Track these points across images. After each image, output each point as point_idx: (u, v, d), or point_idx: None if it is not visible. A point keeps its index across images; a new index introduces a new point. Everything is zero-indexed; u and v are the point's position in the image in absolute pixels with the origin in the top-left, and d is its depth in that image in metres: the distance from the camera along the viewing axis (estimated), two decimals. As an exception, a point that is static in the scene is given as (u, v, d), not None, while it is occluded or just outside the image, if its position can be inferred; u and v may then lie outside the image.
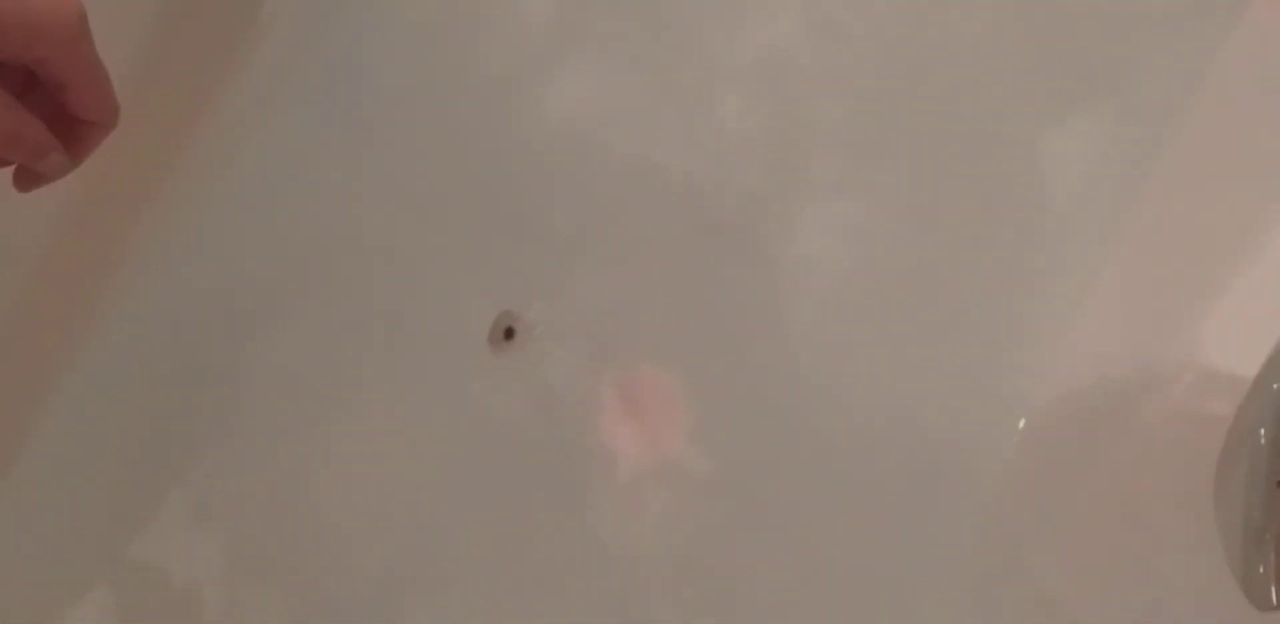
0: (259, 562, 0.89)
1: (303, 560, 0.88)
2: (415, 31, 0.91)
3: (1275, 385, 0.69)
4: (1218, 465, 0.72)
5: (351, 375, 0.88)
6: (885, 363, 0.86)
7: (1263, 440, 0.68)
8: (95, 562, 0.82)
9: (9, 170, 0.52)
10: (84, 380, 0.78)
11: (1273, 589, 0.69)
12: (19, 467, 0.76)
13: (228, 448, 0.87)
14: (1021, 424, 0.80)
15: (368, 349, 0.92)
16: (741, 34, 0.90)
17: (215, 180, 0.85)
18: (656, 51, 0.91)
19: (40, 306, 0.75)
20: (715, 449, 0.89)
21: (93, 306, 0.76)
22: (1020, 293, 0.82)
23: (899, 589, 0.83)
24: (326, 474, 0.91)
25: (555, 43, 0.93)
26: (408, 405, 0.91)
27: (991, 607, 0.81)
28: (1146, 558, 0.75)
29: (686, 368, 0.92)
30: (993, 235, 0.84)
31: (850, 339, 0.87)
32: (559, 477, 0.89)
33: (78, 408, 0.78)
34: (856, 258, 0.88)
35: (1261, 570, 0.69)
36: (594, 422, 0.89)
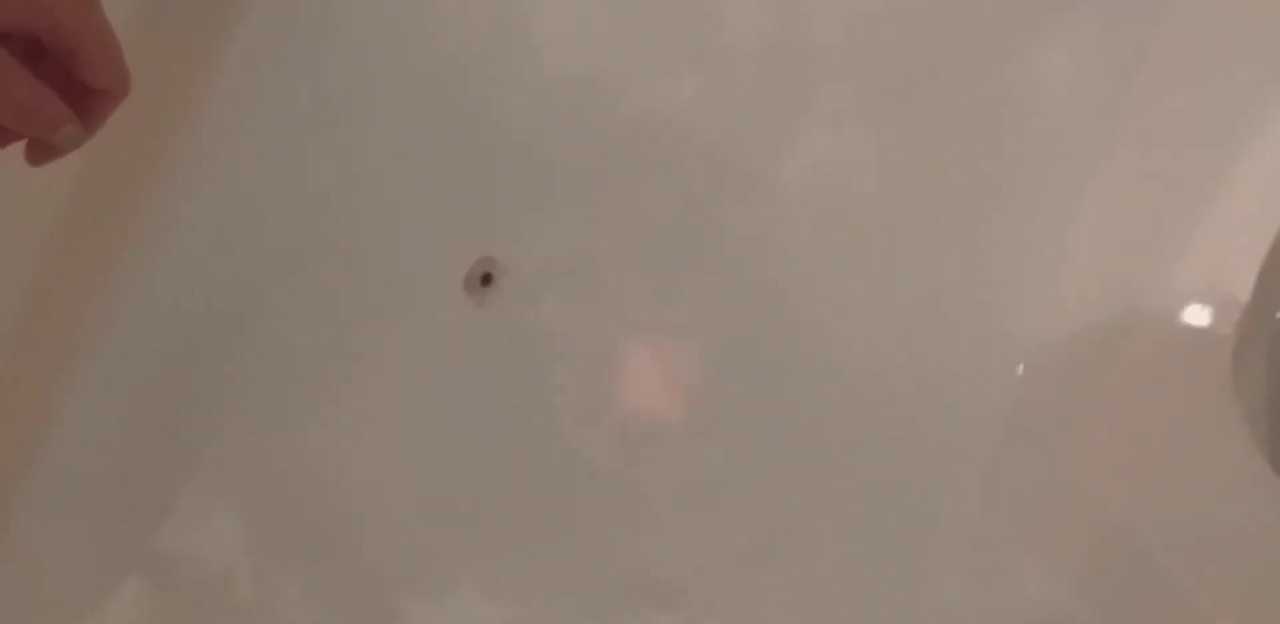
0: (286, 539, 0.88)
1: (328, 533, 0.88)
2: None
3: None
4: (1233, 357, 0.73)
5: (352, 341, 0.87)
6: (885, 287, 0.86)
7: None
8: (124, 553, 0.82)
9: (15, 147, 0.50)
10: (95, 371, 0.77)
11: (1302, 463, 0.70)
12: (37, 462, 0.75)
13: (240, 428, 0.86)
14: (1029, 337, 0.81)
15: (362, 313, 0.91)
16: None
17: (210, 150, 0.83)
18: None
19: (47, 294, 0.74)
20: (713, 388, 0.89)
21: (100, 293, 0.75)
22: (1015, 210, 0.82)
23: (919, 501, 0.84)
24: (337, 445, 0.90)
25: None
26: (403, 364, 0.91)
27: (1017, 509, 0.82)
28: (1171, 447, 0.75)
29: (679, 307, 0.91)
30: (982, 156, 0.83)
31: (846, 271, 0.87)
32: (552, 427, 0.89)
33: (91, 401, 0.77)
34: (847, 189, 0.87)
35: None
36: (584, 367, 0.89)
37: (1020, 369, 0.79)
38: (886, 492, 0.83)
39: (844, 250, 0.86)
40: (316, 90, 0.87)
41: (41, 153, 0.52)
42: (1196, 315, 0.75)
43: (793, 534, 0.84)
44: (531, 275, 0.87)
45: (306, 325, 0.86)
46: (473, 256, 0.86)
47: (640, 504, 0.87)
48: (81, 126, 0.51)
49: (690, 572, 0.84)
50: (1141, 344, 0.79)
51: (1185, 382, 0.75)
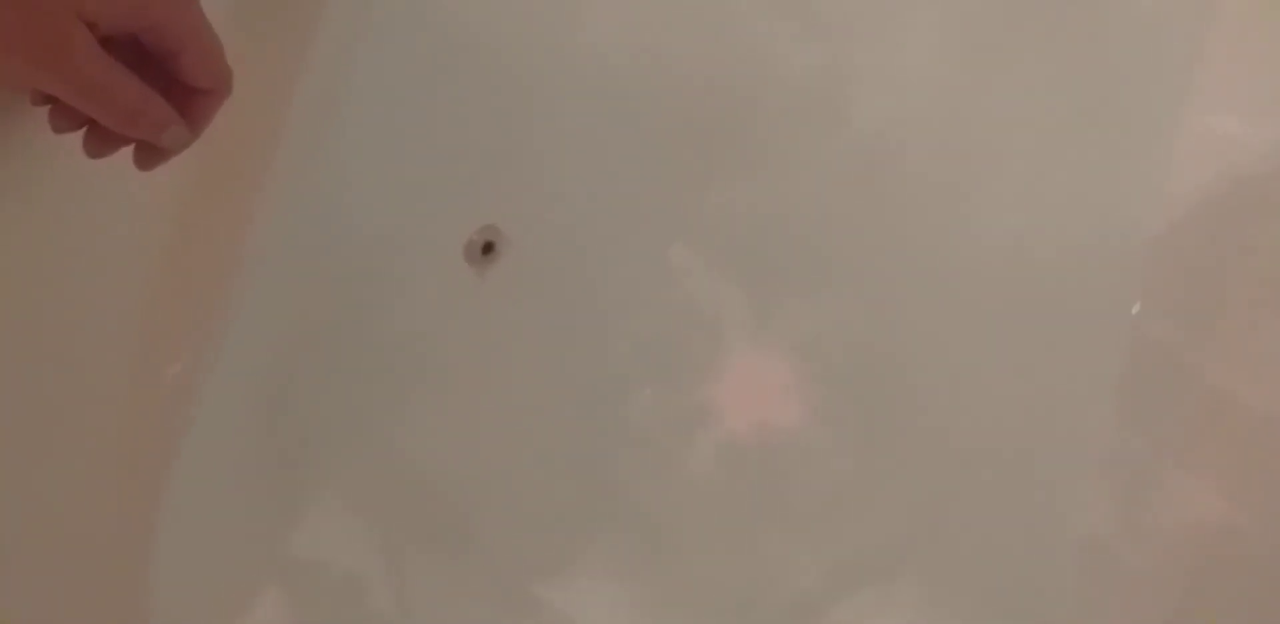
0: (407, 532, 0.88)
1: (445, 522, 0.88)
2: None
3: None
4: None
5: (427, 325, 0.87)
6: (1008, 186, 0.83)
7: None
8: (259, 561, 0.82)
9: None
10: (215, 385, 0.78)
11: None
12: (169, 479, 0.76)
13: (346, 430, 0.86)
14: (1153, 230, 0.78)
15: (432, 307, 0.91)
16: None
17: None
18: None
19: (161, 308, 0.75)
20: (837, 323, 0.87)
21: (214, 305, 0.76)
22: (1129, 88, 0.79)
23: (1056, 429, 0.80)
24: (435, 440, 0.90)
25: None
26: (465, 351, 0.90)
27: (1157, 423, 0.78)
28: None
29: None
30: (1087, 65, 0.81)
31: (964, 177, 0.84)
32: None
33: (214, 413, 0.78)
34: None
35: None
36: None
37: (1152, 238, 0.75)
38: (1022, 426, 0.80)
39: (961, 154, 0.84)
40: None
41: (149, 156, 0.52)
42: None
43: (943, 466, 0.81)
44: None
45: (388, 324, 0.87)
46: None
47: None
48: (187, 128, 0.51)
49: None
50: (1273, 236, 0.75)
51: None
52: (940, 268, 0.83)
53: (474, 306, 0.88)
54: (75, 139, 0.51)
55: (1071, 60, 0.81)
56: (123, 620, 0.73)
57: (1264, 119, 0.75)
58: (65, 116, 0.49)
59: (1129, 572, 0.75)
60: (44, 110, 0.50)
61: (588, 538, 0.87)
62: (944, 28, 0.85)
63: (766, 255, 0.87)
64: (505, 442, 0.89)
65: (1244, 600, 0.73)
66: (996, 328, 0.81)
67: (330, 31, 0.79)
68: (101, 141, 0.50)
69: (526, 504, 0.88)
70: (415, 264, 0.87)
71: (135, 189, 0.66)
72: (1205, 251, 0.76)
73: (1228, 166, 0.75)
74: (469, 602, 0.86)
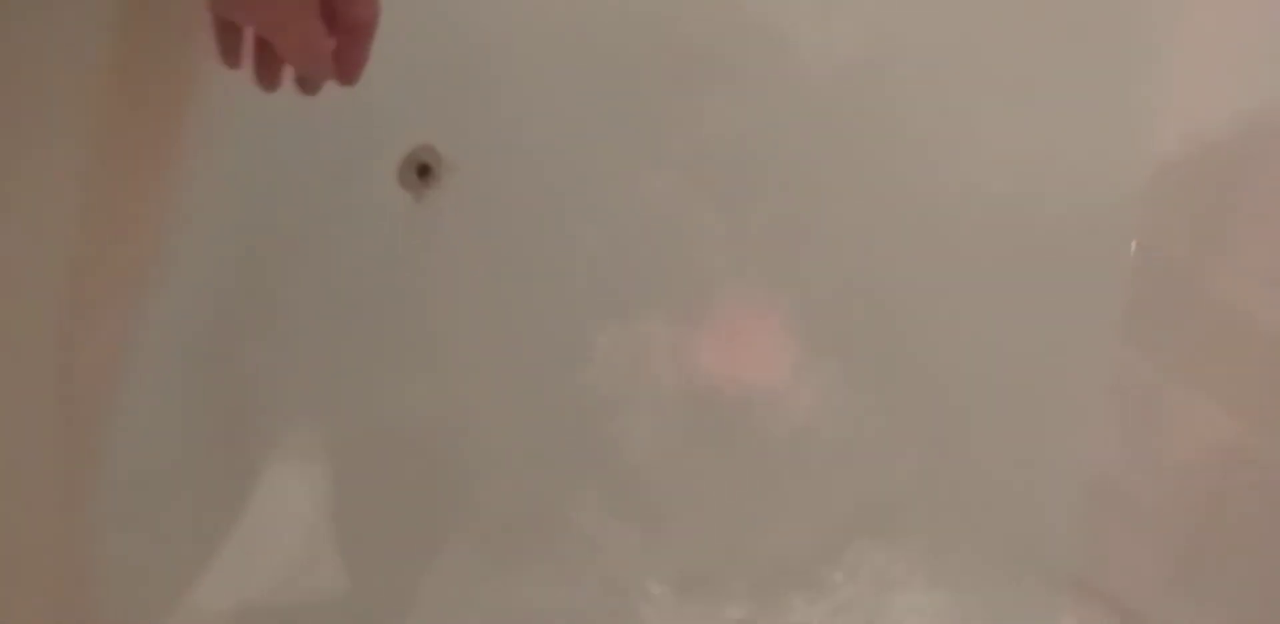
0: (364, 484, 0.79)
1: (405, 472, 0.79)
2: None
3: None
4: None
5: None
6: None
7: None
8: (209, 522, 0.74)
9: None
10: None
11: None
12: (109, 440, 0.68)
13: (286, 375, 0.77)
14: (1155, 156, 0.73)
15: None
16: None
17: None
18: None
19: (94, 251, 0.68)
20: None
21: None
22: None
23: (1053, 337, 0.75)
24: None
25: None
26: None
27: (1167, 344, 0.73)
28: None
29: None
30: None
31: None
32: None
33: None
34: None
35: None
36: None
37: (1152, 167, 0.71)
38: (1023, 361, 0.74)
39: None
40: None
41: (310, 86, 0.58)
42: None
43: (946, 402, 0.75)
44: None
45: (325, 262, 0.78)
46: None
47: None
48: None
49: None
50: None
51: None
52: (932, 201, 0.78)
53: (415, 237, 0.79)
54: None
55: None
56: (66, 590, 0.66)
57: (1254, 55, 0.70)
58: (236, 52, 0.57)
59: (1140, 505, 0.70)
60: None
61: (558, 488, 0.79)
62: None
63: (746, 184, 0.80)
64: (459, 388, 0.81)
65: (1262, 527, 0.68)
66: (992, 261, 0.76)
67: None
68: (273, 74, 0.58)
69: (490, 452, 0.80)
70: (348, 192, 0.77)
71: (57, 139, 0.64)
72: (1205, 173, 0.72)
73: (1221, 97, 0.70)
74: (435, 562, 0.77)
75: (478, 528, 0.75)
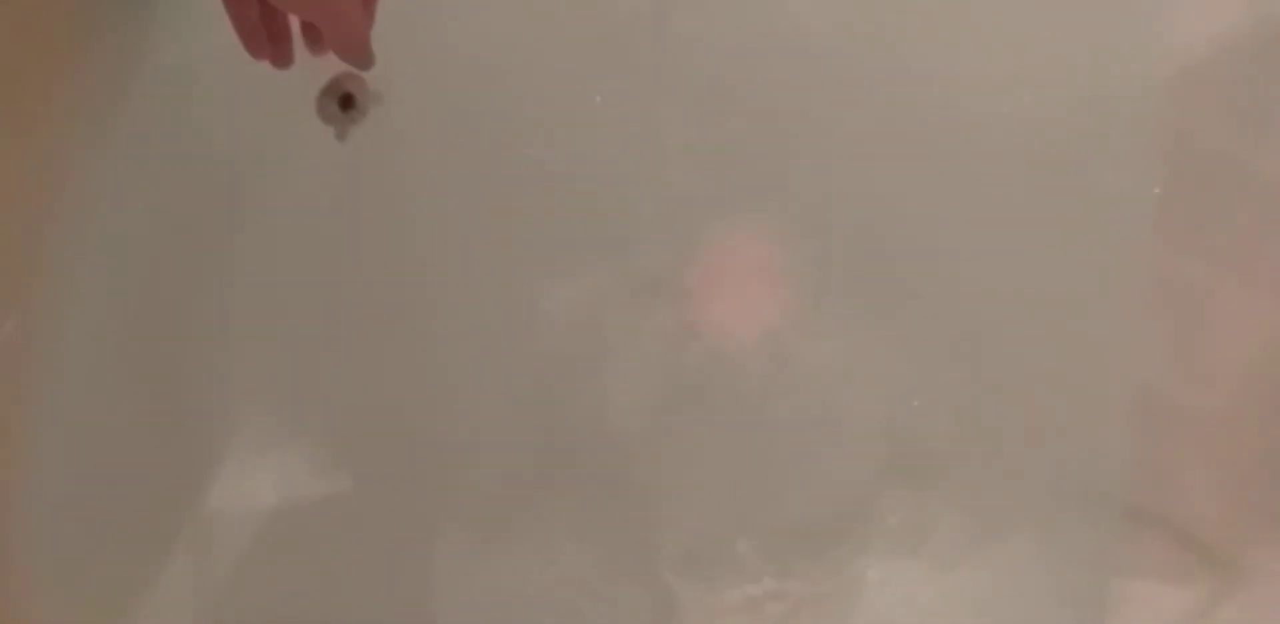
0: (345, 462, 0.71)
1: (356, 438, 0.71)
2: None
3: None
4: None
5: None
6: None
7: None
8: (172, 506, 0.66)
9: None
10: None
11: None
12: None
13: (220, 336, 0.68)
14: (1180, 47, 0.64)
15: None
16: None
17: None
18: None
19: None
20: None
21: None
22: None
23: (1087, 244, 0.67)
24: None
25: None
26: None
27: (1204, 227, 0.65)
28: None
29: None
30: None
31: None
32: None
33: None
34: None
35: None
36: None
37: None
38: (1058, 272, 0.67)
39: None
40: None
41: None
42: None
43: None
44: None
45: (251, 211, 0.67)
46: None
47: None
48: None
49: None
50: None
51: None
52: (942, 112, 0.69)
53: (344, 179, 0.68)
54: None
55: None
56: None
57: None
58: (259, 36, 0.57)
59: (1197, 421, 0.64)
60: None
61: (547, 459, 0.70)
62: None
63: (737, 115, 0.69)
64: (422, 357, 0.71)
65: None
66: (1011, 169, 0.68)
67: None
68: (288, 51, 0.58)
69: (467, 426, 0.71)
70: (265, 130, 0.66)
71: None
72: (1237, 56, 0.62)
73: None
74: (417, 547, 0.70)
75: (461, 510, 0.68)
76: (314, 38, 0.58)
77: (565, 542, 0.66)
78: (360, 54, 0.56)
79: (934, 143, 0.67)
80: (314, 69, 0.60)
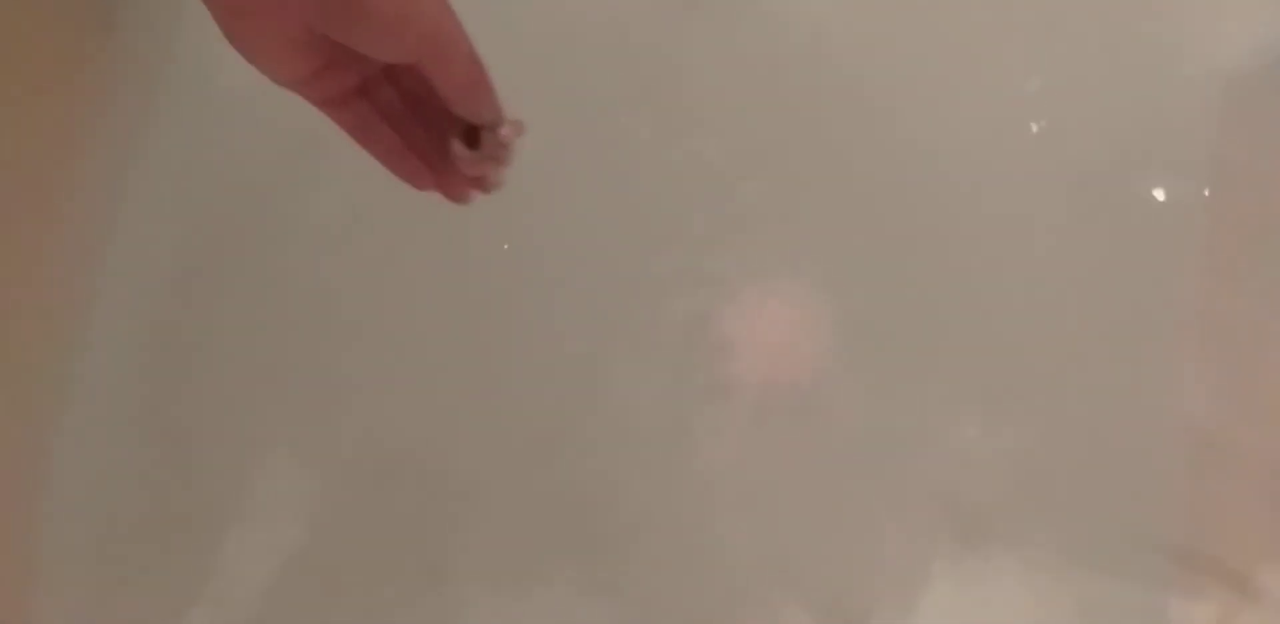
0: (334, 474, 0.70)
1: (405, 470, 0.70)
2: None
3: None
4: None
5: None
6: None
7: None
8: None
9: None
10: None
11: None
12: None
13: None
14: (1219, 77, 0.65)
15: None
16: None
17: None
18: None
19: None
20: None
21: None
22: None
23: (1132, 286, 0.67)
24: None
25: None
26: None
27: (1247, 264, 0.65)
28: None
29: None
30: None
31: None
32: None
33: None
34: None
35: None
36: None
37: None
38: (1099, 315, 0.66)
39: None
40: None
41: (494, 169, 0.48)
42: None
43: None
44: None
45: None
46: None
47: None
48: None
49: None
50: None
51: None
52: (980, 163, 0.69)
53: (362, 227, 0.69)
54: None
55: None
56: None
57: None
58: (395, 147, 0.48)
59: (1247, 461, 0.63)
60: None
61: (569, 505, 0.69)
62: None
63: (756, 178, 0.70)
64: (436, 400, 0.71)
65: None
66: (1049, 211, 0.67)
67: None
68: (452, 171, 0.48)
69: (481, 470, 0.69)
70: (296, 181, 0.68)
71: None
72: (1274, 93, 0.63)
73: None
74: (431, 591, 0.68)
75: (473, 562, 0.66)
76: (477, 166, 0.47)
77: (578, 601, 0.65)
78: (489, 94, 0.45)
79: (964, 194, 0.68)
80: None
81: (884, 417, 0.66)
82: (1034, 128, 0.69)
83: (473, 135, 0.46)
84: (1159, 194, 0.67)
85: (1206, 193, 0.67)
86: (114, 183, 0.70)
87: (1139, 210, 0.67)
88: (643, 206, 0.71)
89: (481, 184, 0.48)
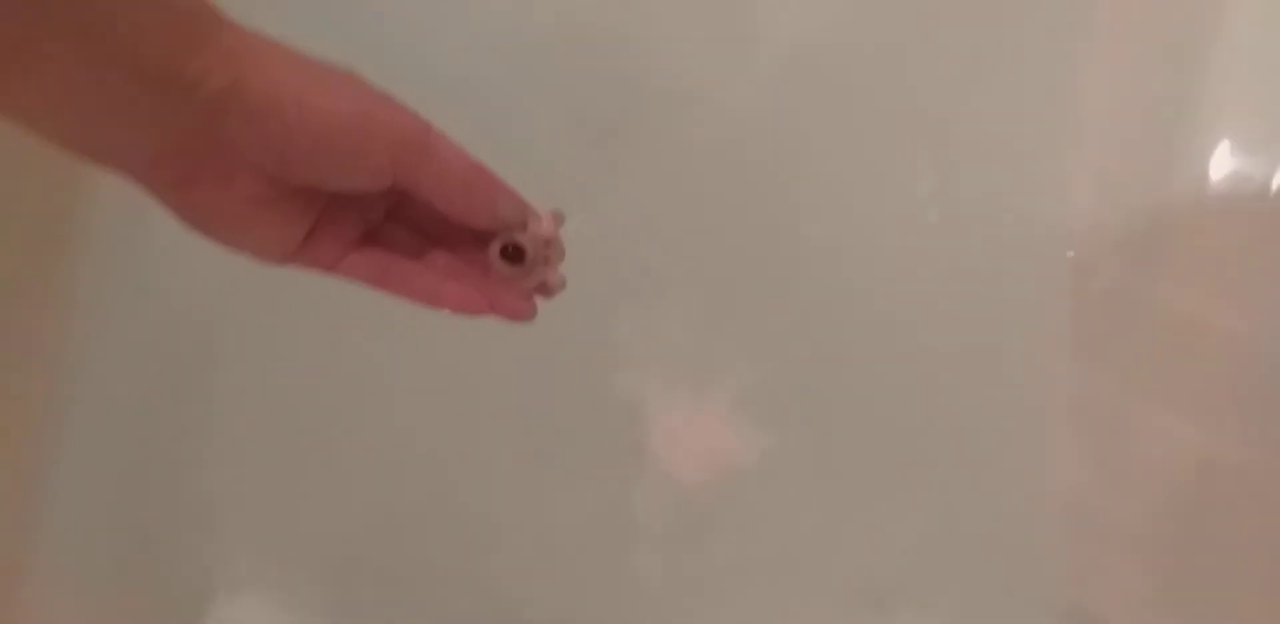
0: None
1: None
2: None
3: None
4: None
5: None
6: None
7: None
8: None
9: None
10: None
11: None
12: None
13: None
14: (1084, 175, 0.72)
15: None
16: None
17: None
18: None
19: None
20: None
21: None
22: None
23: (1005, 365, 0.74)
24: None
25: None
26: None
27: (1112, 346, 0.72)
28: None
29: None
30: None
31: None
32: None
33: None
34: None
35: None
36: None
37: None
38: (979, 391, 0.74)
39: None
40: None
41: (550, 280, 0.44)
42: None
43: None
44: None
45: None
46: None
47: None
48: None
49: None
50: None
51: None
52: (861, 240, 0.75)
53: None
54: None
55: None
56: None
57: (1160, 66, 0.70)
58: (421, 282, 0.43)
59: (1120, 525, 0.70)
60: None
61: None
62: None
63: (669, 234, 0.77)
64: (383, 494, 0.79)
65: (1246, 535, 0.68)
66: (929, 297, 0.74)
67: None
68: (483, 286, 0.44)
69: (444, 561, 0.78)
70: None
71: None
72: (1134, 188, 0.70)
73: (1138, 116, 0.69)
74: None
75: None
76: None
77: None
78: (491, 190, 0.41)
79: (860, 287, 0.75)
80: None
81: (801, 509, 0.74)
82: (926, 222, 0.76)
83: (511, 247, 0.42)
84: (1029, 281, 0.74)
85: (1071, 279, 0.73)
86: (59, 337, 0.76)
87: (1013, 295, 0.74)
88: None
89: (544, 290, 0.43)
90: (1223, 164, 0.69)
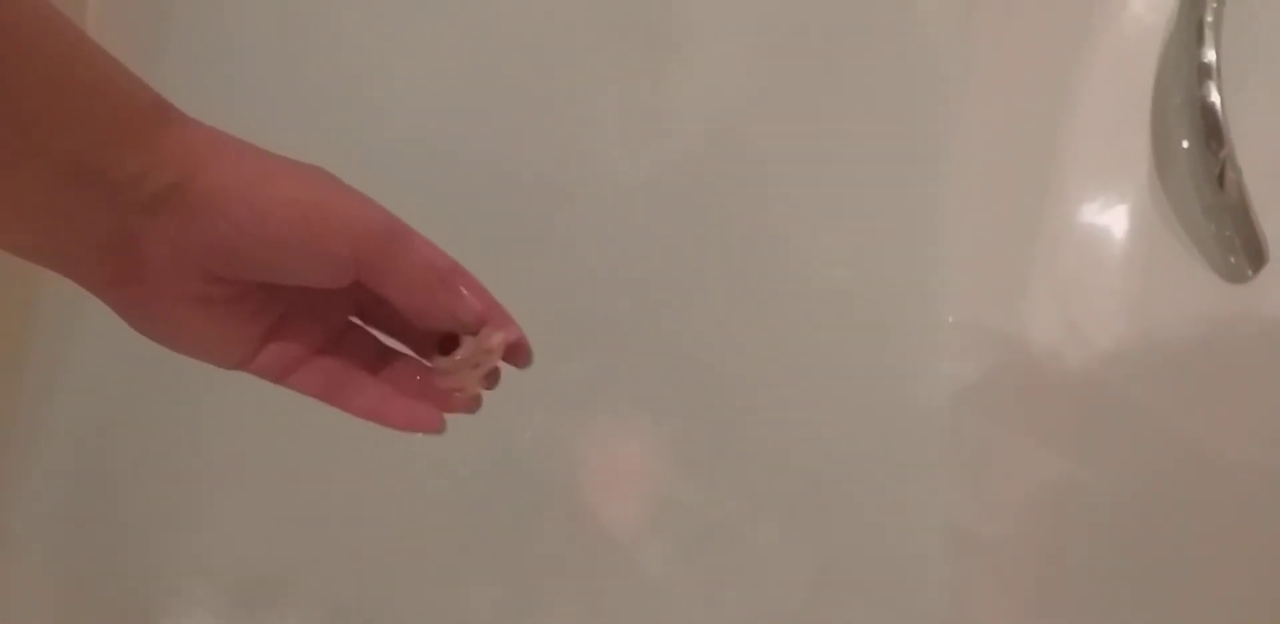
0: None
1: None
2: None
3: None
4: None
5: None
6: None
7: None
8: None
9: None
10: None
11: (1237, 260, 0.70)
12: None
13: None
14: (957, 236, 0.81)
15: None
16: None
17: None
18: None
19: None
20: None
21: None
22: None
23: (884, 406, 0.81)
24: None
25: None
26: None
27: (981, 387, 0.79)
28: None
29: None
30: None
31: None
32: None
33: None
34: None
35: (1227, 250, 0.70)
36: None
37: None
38: (860, 431, 0.80)
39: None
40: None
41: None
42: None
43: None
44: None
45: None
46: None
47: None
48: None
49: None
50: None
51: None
52: (757, 295, 0.83)
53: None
54: None
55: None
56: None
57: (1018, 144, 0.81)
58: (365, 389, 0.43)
59: (994, 552, 0.76)
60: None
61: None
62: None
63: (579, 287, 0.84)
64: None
65: (1097, 565, 0.74)
66: (820, 347, 0.81)
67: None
68: (427, 386, 0.43)
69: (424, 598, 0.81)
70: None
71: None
72: (999, 245, 0.79)
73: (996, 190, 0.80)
74: None
75: None
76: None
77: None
78: (461, 286, 0.40)
79: (755, 331, 0.82)
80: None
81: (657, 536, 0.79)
82: (826, 285, 0.84)
83: (451, 341, 0.41)
84: (909, 322, 0.81)
85: (950, 318, 0.81)
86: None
87: (895, 335, 0.82)
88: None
89: (460, 398, 0.42)
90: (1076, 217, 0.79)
